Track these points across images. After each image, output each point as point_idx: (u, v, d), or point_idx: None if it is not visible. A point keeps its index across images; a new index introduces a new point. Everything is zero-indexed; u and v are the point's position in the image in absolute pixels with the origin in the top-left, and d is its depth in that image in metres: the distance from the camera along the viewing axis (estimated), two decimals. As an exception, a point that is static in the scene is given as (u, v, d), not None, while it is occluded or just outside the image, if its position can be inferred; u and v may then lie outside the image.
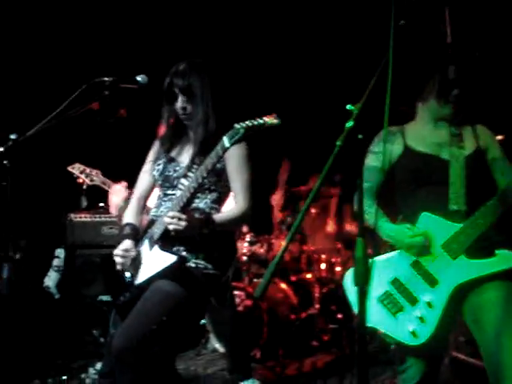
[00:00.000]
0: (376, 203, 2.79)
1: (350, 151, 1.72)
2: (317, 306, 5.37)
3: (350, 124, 1.70)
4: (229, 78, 6.12)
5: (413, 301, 2.63)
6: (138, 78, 2.69)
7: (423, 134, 2.81)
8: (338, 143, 1.65)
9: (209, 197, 2.80)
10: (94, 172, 3.93)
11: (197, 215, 2.67)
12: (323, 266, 5.65)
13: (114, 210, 3.68)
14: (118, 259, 2.77)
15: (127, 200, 3.27)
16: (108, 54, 5.71)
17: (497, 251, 2.60)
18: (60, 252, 5.28)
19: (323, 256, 5.68)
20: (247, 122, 2.45)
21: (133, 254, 2.76)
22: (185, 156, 2.86)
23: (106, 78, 2.58)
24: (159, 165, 2.88)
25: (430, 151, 2.75)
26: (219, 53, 5.98)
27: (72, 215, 5.27)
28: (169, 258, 2.59)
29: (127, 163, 3.46)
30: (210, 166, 2.54)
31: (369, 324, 2.65)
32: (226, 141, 2.47)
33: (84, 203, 5.45)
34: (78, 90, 2.55)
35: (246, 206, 2.78)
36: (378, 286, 2.70)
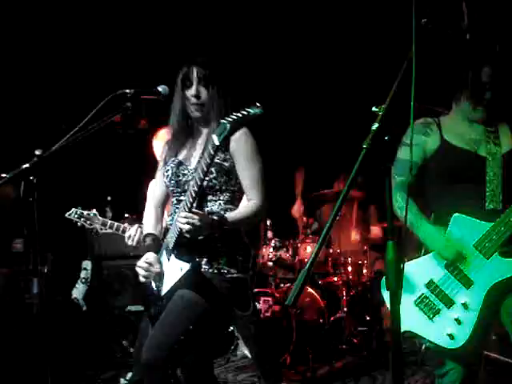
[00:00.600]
0: (410, 198, 2.71)
1: (373, 153, 1.70)
2: (345, 309, 5.34)
3: (375, 126, 1.68)
4: (244, 82, 6.19)
5: (449, 303, 2.60)
6: (160, 89, 2.69)
7: (460, 128, 2.77)
8: (365, 145, 1.64)
9: (221, 198, 2.72)
10: (92, 214, 3.79)
11: (209, 216, 2.60)
12: (350, 268, 5.62)
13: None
14: (141, 272, 2.73)
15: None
16: (129, 65, 5.75)
17: None
18: (87, 264, 5.31)
19: (349, 259, 5.65)
20: (232, 116, 2.38)
21: (157, 268, 2.71)
22: (193, 157, 2.79)
23: (128, 90, 2.58)
24: (168, 170, 2.80)
25: (467, 147, 2.71)
26: (237, 60, 6.01)
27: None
28: (184, 266, 2.56)
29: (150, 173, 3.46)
30: (206, 168, 2.47)
31: (406, 328, 2.63)
32: (215, 139, 2.39)
33: (109, 214, 5.47)
34: (101, 102, 2.56)
35: (260, 200, 2.69)
36: (414, 290, 2.67)
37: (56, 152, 2.47)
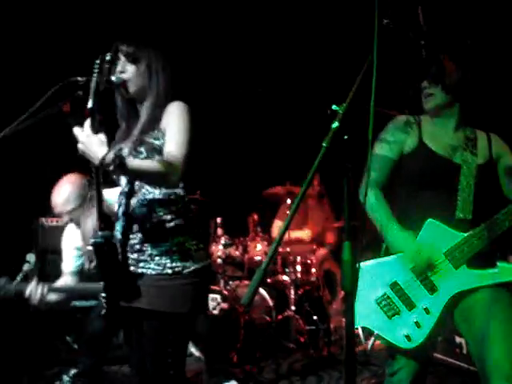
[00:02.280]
0: (382, 196, 2.70)
1: (332, 152, 1.68)
2: (293, 307, 5.35)
3: (335, 125, 1.66)
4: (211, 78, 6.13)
5: (410, 305, 2.63)
6: (113, 78, 2.61)
7: (439, 132, 2.75)
8: (324, 144, 1.62)
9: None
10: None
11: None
12: (298, 267, 5.63)
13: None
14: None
15: None
16: (83, 52, 5.61)
17: (498, 263, 2.60)
18: (30, 257, 5.16)
19: (298, 258, 5.66)
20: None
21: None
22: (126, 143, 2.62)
23: (80, 78, 2.48)
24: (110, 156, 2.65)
25: (443, 152, 2.70)
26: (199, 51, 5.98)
27: (43, 220, 5.16)
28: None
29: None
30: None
31: (363, 324, 2.67)
32: (89, 102, 2.28)
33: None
34: (51, 90, 2.47)
35: (177, 154, 2.41)
36: (377, 288, 2.68)
37: (2, 139, 2.37)
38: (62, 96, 2.45)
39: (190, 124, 2.52)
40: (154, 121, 2.55)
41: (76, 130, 2.26)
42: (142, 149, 2.52)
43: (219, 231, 5.67)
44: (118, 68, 2.61)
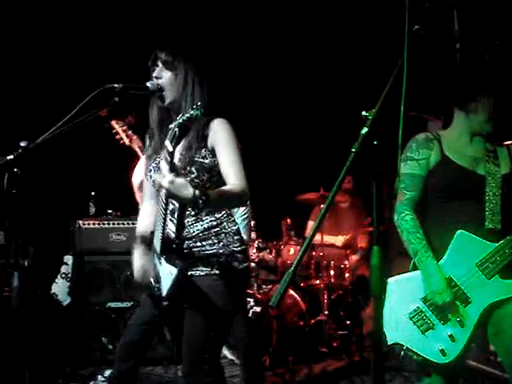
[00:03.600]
0: (418, 220, 2.70)
1: (362, 158, 1.70)
2: (326, 312, 5.34)
3: (365, 130, 1.68)
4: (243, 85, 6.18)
5: (444, 319, 2.62)
6: (148, 84, 2.66)
7: (459, 145, 2.75)
8: (354, 149, 1.63)
9: None
10: (135, 136, 3.79)
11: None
12: (332, 272, 5.63)
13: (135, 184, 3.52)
14: (136, 274, 2.77)
15: None
16: (118, 60, 5.71)
17: None
18: (68, 259, 5.26)
19: (332, 262, 5.66)
20: (178, 120, 2.33)
21: (147, 265, 2.71)
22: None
23: (116, 85, 2.55)
24: (150, 171, 2.74)
25: (466, 165, 2.71)
26: (233, 63, 6.02)
27: (80, 222, 5.25)
28: (173, 270, 2.50)
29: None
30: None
31: (396, 340, 2.64)
32: (168, 145, 2.32)
33: (92, 210, 5.44)
34: (88, 96, 2.53)
35: (241, 182, 2.56)
36: (409, 302, 2.67)
37: (41, 144, 2.44)
38: (99, 102, 2.51)
39: (237, 141, 2.64)
40: (201, 138, 2.60)
41: (157, 177, 2.39)
42: (193, 168, 2.59)
43: (253, 235, 5.69)
44: (155, 74, 2.67)
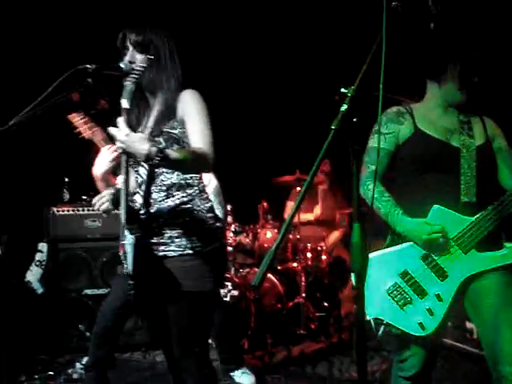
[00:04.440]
0: (385, 189, 2.70)
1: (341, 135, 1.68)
2: (303, 294, 5.36)
3: (344, 107, 1.66)
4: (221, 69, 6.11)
5: (422, 293, 2.63)
6: (122, 65, 2.60)
7: (432, 117, 2.74)
8: (334, 126, 1.61)
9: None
10: (97, 128, 3.72)
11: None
12: (309, 254, 5.64)
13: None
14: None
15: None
16: (91, 41, 5.61)
17: (506, 244, 2.62)
18: (43, 246, 5.19)
19: (309, 245, 5.67)
20: (133, 76, 2.45)
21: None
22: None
23: (89, 66, 2.49)
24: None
25: (440, 137, 2.69)
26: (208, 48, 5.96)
27: (54, 209, 5.19)
28: (130, 239, 2.44)
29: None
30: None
31: (376, 315, 2.65)
32: (124, 103, 2.38)
33: (66, 196, 5.37)
34: (60, 77, 2.47)
35: (206, 147, 2.50)
36: (387, 278, 2.68)
37: (12, 127, 2.38)
38: (72, 84, 2.45)
39: (206, 111, 2.58)
40: (170, 110, 2.59)
41: (113, 130, 2.32)
42: (161, 139, 2.55)
43: (229, 219, 5.67)
44: (127, 58, 2.62)
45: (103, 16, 5.65)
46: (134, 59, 2.61)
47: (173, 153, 2.36)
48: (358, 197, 1.69)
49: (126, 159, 2.50)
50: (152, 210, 2.62)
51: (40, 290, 5.13)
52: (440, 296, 2.60)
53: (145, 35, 2.63)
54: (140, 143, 2.27)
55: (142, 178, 2.66)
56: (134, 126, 2.67)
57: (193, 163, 2.48)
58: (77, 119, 3.51)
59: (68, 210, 5.21)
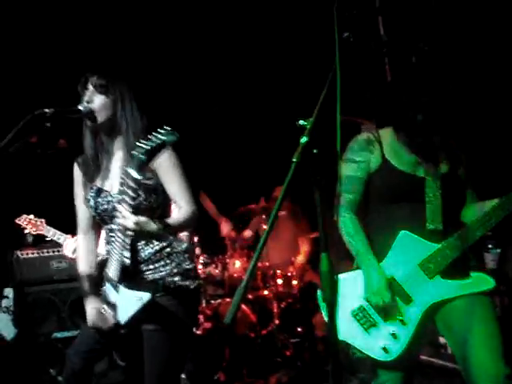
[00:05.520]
0: (358, 221, 2.73)
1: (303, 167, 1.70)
2: (276, 321, 5.34)
3: (304, 139, 1.68)
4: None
5: (386, 317, 2.63)
6: (80, 108, 2.60)
7: (398, 149, 2.74)
8: (295, 160, 1.63)
9: (155, 215, 2.62)
10: (41, 221, 3.94)
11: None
12: (279, 281, 5.63)
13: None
14: (92, 322, 2.73)
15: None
16: (49, 82, 5.58)
17: (472, 273, 2.63)
18: (9, 292, 5.08)
19: (278, 271, 5.66)
20: (143, 146, 2.28)
21: (107, 314, 2.67)
22: (112, 180, 2.68)
23: (47, 110, 2.47)
24: (89, 201, 2.68)
25: (406, 169, 2.69)
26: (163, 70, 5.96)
27: (18, 252, 5.10)
28: (144, 296, 2.50)
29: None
30: (130, 200, 2.40)
31: (340, 338, 2.65)
32: (133, 173, 2.31)
33: (30, 239, 5.28)
34: (17, 125, 2.45)
35: (190, 206, 2.65)
36: (353, 300, 2.69)
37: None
38: (30, 129, 2.44)
39: (182, 168, 2.68)
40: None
41: (122, 221, 2.43)
42: (140, 192, 2.55)
43: (197, 250, 5.64)
44: (86, 98, 2.63)
45: (62, 59, 5.62)
46: (92, 100, 2.61)
47: (172, 222, 2.58)
48: (324, 226, 1.71)
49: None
50: (133, 259, 2.63)
51: (9, 337, 5.01)
52: (404, 320, 2.61)
53: (107, 78, 2.64)
54: (149, 225, 2.46)
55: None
56: (94, 176, 2.72)
57: (187, 225, 2.76)
58: (23, 220, 3.76)
59: (33, 253, 5.13)
